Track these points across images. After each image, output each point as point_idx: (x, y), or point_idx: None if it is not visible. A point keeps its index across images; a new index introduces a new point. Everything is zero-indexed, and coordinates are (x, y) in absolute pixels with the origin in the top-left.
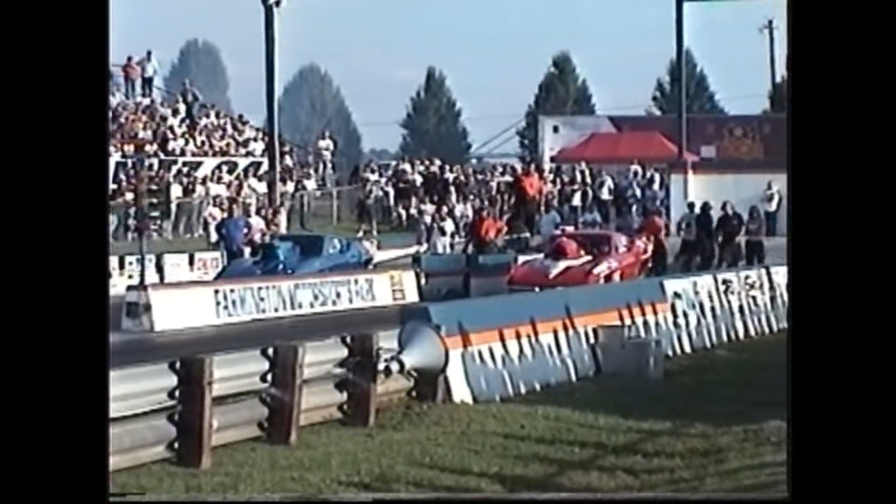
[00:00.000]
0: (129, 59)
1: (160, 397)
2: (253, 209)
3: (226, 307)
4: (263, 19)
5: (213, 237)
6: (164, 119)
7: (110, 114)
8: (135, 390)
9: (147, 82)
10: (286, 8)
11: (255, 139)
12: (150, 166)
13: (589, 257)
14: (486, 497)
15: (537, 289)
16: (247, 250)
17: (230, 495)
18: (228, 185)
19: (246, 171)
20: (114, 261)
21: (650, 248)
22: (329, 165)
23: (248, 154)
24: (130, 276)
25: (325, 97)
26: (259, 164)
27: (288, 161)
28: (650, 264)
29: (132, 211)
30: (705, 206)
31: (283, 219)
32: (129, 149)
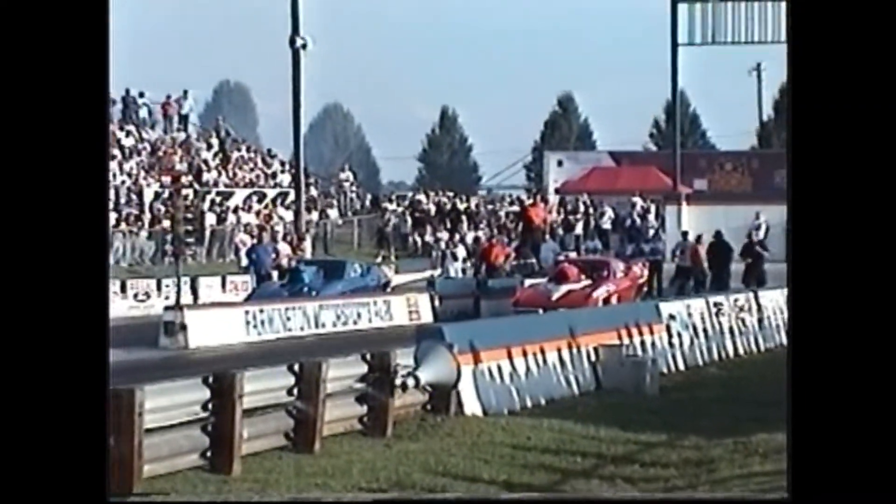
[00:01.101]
0: (168, 97)
1: (195, 409)
2: (280, 236)
3: (255, 326)
4: (291, 61)
5: (244, 262)
6: (198, 153)
7: (149, 147)
8: (171, 403)
9: (183, 119)
10: (312, 51)
11: (283, 171)
12: (186, 196)
13: (589, 281)
14: (487, 497)
15: (541, 310)
16: (275, 274)
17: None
18: (258, 214)
19: (274, 200)
20: (152, 283)
21: (645, 273)
22: (349, 195)
23: (276, 185)
24: (167, 298)
25: (347, 133)
26: (286, 195)
27: (313, 191)
28: (646, 288)
29: (169, 237)
30: (718, 235)
31: (308, 245)
32: (167, 180)
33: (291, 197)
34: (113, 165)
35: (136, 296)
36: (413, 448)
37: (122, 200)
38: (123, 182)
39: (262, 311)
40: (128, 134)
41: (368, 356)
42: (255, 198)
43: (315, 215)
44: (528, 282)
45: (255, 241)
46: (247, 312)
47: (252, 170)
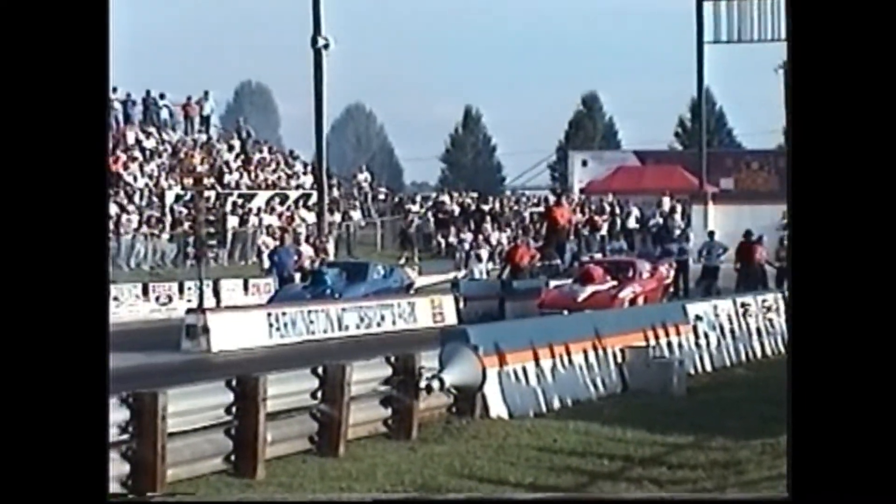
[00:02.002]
0: (189, 98)
1: (218, 413)
2: (303, 238)
3: (278, 329)
4: (312, 62)
5: (266, 264)
6: (220, 154)
7: (170, 149)
8: (194, 406)
9: (205, 120)
10: (334, 51)
11: (305, 173)
12: (208, 198)
13: (615, 283)
14: (487, 497)
15: (566, 312)
16: (297, 276)
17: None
18: (280, 216)
19: (296, 202)
20: (174, 286)
21: (671, 273)
22: (369, 196)
23: (298, 187)
24: (189, 301)
25: (369, 134)
26: (308, 196)
27: (335, 193)
28: (672, 289)
29: (191, 240)
30: (748, 234)
31: (330, 247)
32: (188, 182)
33: (314, 198)
34: (134, 167)
35: (157, 299)
36: (438, 451)
37: (144, 203)
38: (146, 184)
39: (284, 313)
40: (149, 136)
41: (393, 359)
42: (277, 199)
43: (338, 217)
44: (552, 283)
45: (277, 243)
46: (269, 315)
47: (274, 171)
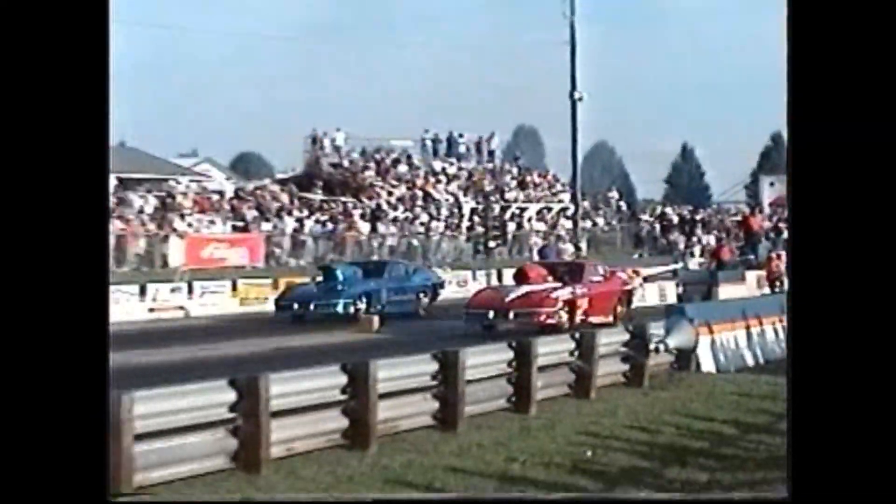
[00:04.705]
0: (480, 137)
1: (502, 367)
2: (563, 238)
3: None
4: (570, 109)
5: (536, 258)
6: (502, 177)
7: (466, 174)
8: (485, 361)
9: (491, 153)
10: (586, 102)
11: (564, 191)
12: (493, 210)
13: (555, 284)
14: (488, 497)
15: (492, 313)
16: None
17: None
18: (546, 222)
19: (558, 213)
20: (468, 274)
21: (636, 280)
22: (614, 208)
23: (559, 201)
24: (480, 284)
25: (612, 162)
26: (566, 208)
27: (585, 205)
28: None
29: (481, 240)
30: None
31: (584, 245)
32: (479, 198)
33: (570, 210)
34: (440, 188)
35: (458, 283)
36: (664, 396)
37: (447, 213)
38: (447, 200)
39: None
40: (451, 164)
41: (631, 327)
42: (544, 211)
43: (588, 223)
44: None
45: (544, 242)
46: None
47: (542, 190)
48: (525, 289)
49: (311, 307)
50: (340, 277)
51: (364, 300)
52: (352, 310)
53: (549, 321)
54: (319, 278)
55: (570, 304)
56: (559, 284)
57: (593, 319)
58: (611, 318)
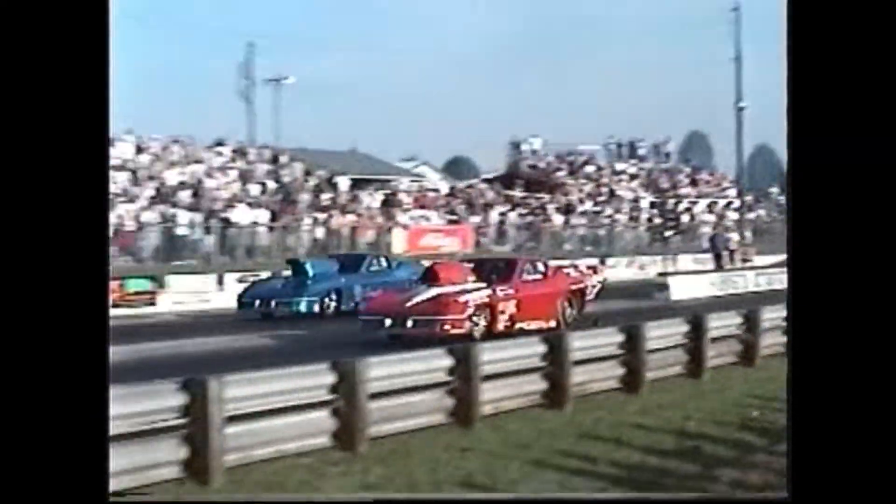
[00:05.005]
0: (657, 141)
1: (611, 350)
2: (730, 228)
3: (714, 285)
4: (735, 118)
5: (705, 245)
6: (676, 176)
7: (646, 173)
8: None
9: (666, 155)
10: (750, 110)
11: (730, 187)
12: (668, 204)
13: (473, 285)
14: (487, 497)
15: (388, 320)
16: (725, 254)
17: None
18: (714, 214)
19: (725, 206)
20: (646, 259)
21: (593, 278)
22: (774, 202)
23: (726, 197)
24: (657, 266)
25: (772, 163)
26: (732, 202)
27: (749, 199)
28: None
29: (658, 231)
30: None
31: (748, 233)
32: (656, 193)
33: (736, 204)
34: (623, 185)
35: (639, 266)
36: (773, 374)
37: (627, 207)
38: (628, 195)
39: (719, 276)
40: (632, 165)
41: (745, 312)
42: (713, 205)
43: (751, 215)
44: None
45: (713, 231)
46: (708, 277)
47: (710, 186)
48: (433, 291)
49: (273, 305)
50: (310, 273)
51: (334, 297)
52: (316, 308)
53: (456, 330)
54: (287, 272)
55: (490, 308)
56: (478, 286)
57: (525, 325)
58: (552, 324)
